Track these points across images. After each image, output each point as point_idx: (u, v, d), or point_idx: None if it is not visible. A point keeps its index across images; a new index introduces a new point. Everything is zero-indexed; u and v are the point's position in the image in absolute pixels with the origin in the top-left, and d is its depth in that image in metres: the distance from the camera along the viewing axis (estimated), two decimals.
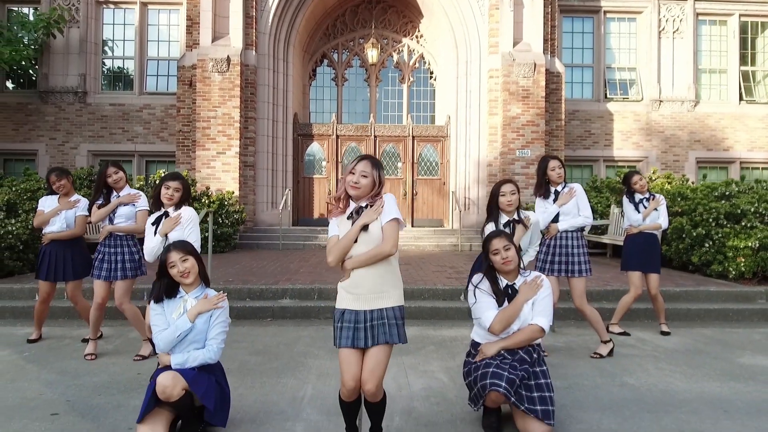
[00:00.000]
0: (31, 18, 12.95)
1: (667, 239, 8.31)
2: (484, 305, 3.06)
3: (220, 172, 11.39)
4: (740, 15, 14.25)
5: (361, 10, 14.24)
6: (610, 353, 4.48)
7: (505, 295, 3.07)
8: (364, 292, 2.58)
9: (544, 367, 3.02)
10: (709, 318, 6.02)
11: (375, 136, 13.13)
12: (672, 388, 3.69)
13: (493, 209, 4.09)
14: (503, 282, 3.11)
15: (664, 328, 5.43)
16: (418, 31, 14.38)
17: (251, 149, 11.93)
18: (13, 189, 7.73)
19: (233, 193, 11.07)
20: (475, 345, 3.14)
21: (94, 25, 13.50)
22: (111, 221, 4.46)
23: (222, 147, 11.45)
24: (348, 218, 2.65)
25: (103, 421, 3.06)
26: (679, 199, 8.51)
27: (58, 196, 4.86)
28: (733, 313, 6.04)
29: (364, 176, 2.65)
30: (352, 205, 2.68)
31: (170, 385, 2.64)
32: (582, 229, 4.65)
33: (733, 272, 7.10)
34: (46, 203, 4.86)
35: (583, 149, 13.53)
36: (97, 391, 3.55)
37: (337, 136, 13.11)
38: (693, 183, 10.58)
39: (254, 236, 11.41)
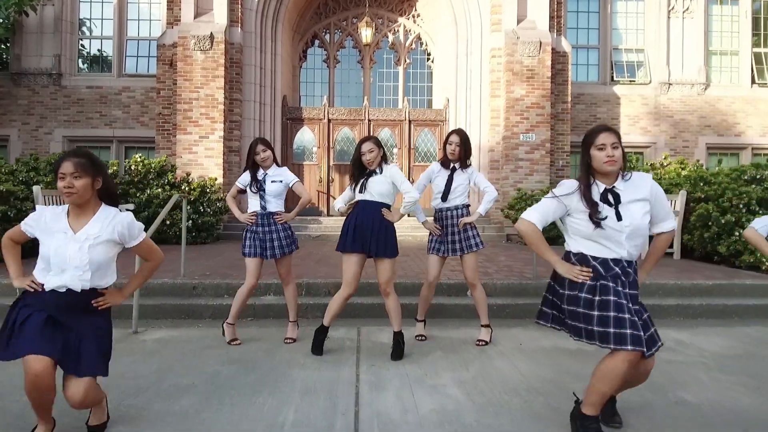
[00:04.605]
0: None
1: (689, 228, 7.64)
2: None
3: (202, 157, 10.62)
4: None
5: None
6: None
7: (605, 202, 2.39)
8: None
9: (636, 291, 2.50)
10: (748, 315, 5.34)
11: (369, 120, 12.37)
12: (739, 406, 2.99)
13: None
14: (601, 186, 2.43)
15: None
16: (415, 10, 13.60)
17: (236, 133, 11.15)
18: None
19: (216, 179, 10.30)
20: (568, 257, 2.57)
21: (70, 3, 12.70)
22: (263, 198, 4.19)
23: (205, 131, 10.67)
24: None
25: None
26: (701, 184, 7.82)
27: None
28: None
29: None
30: None
31: None
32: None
33: (767, 263, 6.43)
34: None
35: None
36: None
37: (329, 120, 12.34)
38: (707, 169, 9.98)
39: (239, 226, 10.62)
